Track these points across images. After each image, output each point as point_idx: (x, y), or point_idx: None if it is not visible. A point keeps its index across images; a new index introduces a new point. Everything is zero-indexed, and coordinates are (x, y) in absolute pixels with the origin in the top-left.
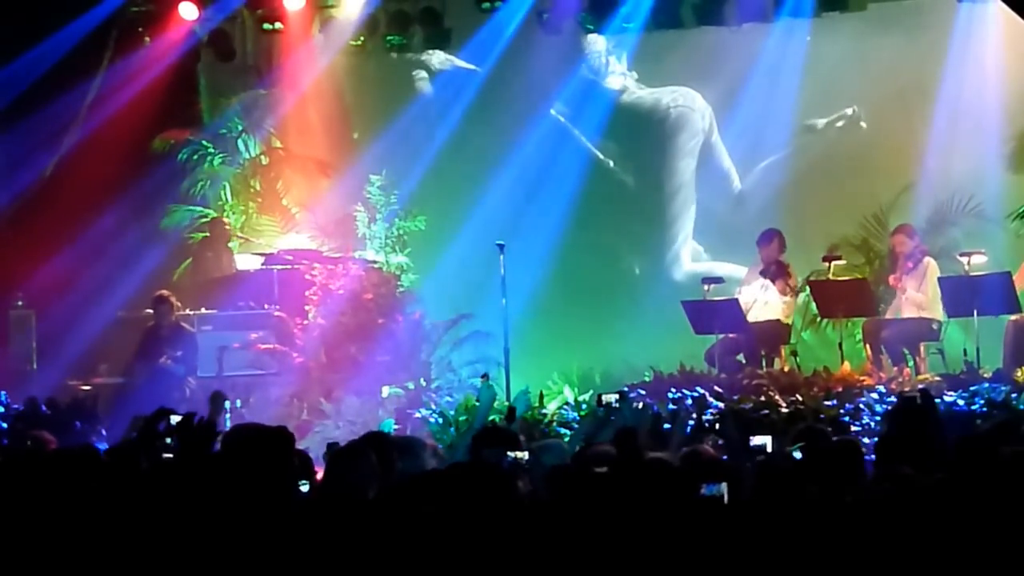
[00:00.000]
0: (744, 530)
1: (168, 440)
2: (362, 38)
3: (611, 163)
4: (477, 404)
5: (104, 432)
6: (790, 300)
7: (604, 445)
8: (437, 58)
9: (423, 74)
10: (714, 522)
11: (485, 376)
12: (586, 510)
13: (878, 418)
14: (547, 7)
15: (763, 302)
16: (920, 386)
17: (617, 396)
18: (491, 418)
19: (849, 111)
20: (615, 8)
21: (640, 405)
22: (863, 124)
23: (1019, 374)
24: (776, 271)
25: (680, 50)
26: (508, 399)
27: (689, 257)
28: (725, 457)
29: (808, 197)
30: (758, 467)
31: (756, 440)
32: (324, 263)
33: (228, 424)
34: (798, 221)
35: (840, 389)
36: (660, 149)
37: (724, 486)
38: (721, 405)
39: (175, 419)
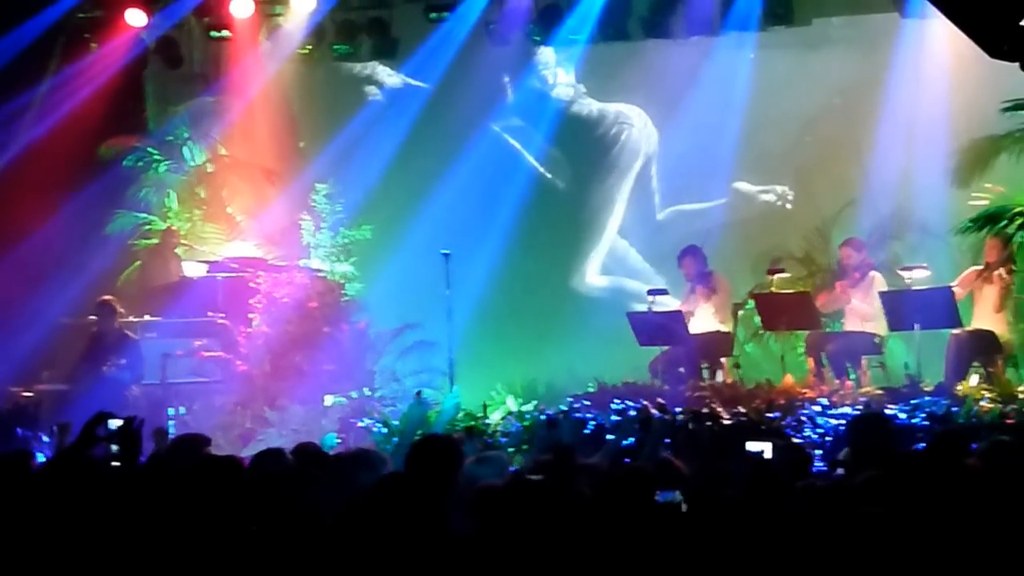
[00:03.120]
0: (711, 537)
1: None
2: (309, 47)
3: (556, 176)
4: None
5: (46, 439)
6: (718, 302)
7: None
8: (384, 68)
9: (370, 83)
10: (674, 530)
11: (419, 393)
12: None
13: (820, 430)
14: (495, 18)
15: (699, 316)
16: (863, 399)
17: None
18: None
19: (780, 188)
20: (562, 20)
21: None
22: (789, 206)
23: (960, 388)
24: (698, 281)
25: (627, 63)
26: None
27: (601, 269)
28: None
29: (750, 214)
30: (752, 471)
31: (752, 446)
32: (269, 271)
33: (173, 431)
34: (741, 234)
35: (783, 401)
36: (604, 164)
37: (678, 494)
38: (665, 416)
39: (114, 424)
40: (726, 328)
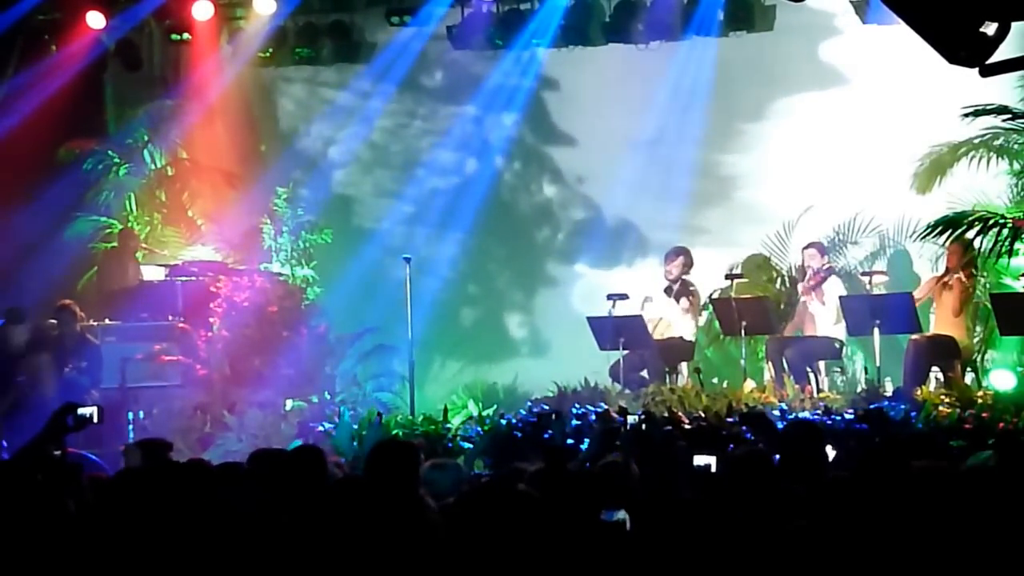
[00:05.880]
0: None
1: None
2: (271, 50)
3: (518, 178)
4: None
5: (5, 443)
6: (694, 317)
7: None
8: (345, 71)
9: (331, 87)
10: (619, 551)
11: (380, 415)
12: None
13: None
14: (457, 22)
15: (668, 321)
16: (822, 403)
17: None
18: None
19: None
20: (524, 25)
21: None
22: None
23: (919, 393)
24: (680, 289)
25: (589, 68)
26: (412, 413)
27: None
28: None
29: (710, 215)
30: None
31: (700, 460)
32: (229, 275)
33: (132, 435)
34: (700, 238)
35: (742, 407)
36: (565, 166)
37: (623, 512)
38: (623, 420)
39: (84, 411)
40: (690, 337)
